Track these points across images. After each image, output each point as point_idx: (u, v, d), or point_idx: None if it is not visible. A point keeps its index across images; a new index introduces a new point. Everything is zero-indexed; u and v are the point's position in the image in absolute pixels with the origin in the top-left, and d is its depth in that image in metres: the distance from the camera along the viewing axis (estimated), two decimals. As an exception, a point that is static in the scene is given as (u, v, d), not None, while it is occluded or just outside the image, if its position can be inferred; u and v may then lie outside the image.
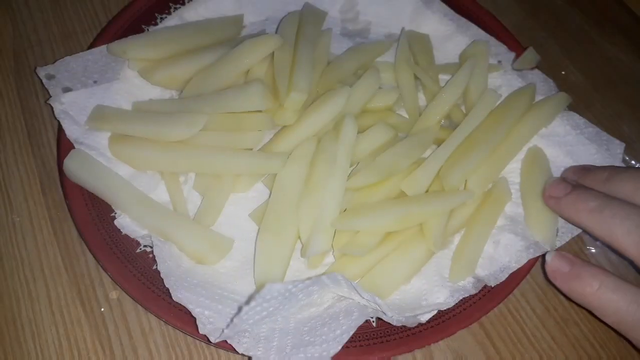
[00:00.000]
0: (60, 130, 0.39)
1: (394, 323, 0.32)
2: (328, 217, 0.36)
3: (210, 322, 0.31)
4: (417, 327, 0.34)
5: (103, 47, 0.43)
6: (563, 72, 0.51)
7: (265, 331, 0.31)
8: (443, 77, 0.46)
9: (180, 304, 0.33)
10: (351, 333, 0.30)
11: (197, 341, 0.36)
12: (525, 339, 0.38)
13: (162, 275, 0.33)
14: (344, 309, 0.33)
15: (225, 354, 0.36)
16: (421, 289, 0.36)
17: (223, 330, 0.30)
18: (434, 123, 0.42)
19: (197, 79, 0.42)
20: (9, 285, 0.37)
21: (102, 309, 0.37)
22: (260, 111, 0.41)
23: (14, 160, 0.43)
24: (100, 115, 0.40)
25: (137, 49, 0.42)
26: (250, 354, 0.30)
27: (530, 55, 0.46)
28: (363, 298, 0.31)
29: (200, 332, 0.31)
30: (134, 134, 0.40)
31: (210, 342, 0.31)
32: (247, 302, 0.29)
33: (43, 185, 0.42)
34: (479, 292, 0.36)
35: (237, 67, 0.42)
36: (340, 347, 0.29)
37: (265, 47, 0.42)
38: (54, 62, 0.42)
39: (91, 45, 0.44)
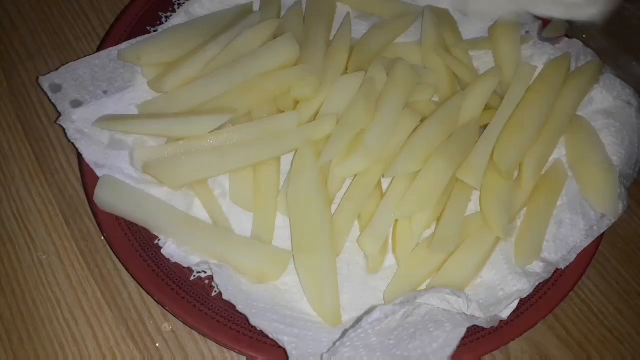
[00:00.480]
0: (79, 153, 0.36)
1: (485, 325, 0.30)
2: (383, 218, 0.34)
3: (294, 347, 0.29)
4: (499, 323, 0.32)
5: (109, 51, 0.39)
6: (584, 36, 0.50)
7: (348, 351, 0.29)
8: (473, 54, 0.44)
9: (249, 331, 0.31)
10: (454, 346, 0.29)
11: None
12: (594, 317, 0.38)
13: (234, 302, 0.30)
14: (427, 318, 0.31)
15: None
16: (493, 280, 0.35)
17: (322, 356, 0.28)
18: (476, 115, 0.39)
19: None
20: (49, 332, 0.34)
21: (157, 344, 0.34)
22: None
23: (27, 192, 0.38)
24: (111, 118, 0.36)
25: (151, 53, 0.38)
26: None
27: (558, 23, 0.45)
28: (467, 307, 0.29)
29: (292, 358, 0.29)
30: (151, 132, 0.37)
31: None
32: (353, 326, 0.27)
33: (65, 216, 0.38)
34: (551, 277, 0.35)
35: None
36: (446, 361, 0.28)
37: (265, 31, 0.40)
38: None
39: (95, 51, 0.40)
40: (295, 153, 0.37)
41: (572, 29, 0.45)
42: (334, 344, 0.28)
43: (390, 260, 0.36)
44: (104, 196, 0.33)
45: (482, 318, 0.30)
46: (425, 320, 0.31)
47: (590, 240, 0.36)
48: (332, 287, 0.33)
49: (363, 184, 0.36)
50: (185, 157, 0.35)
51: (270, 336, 0.30)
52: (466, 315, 0.31)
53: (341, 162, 0.36)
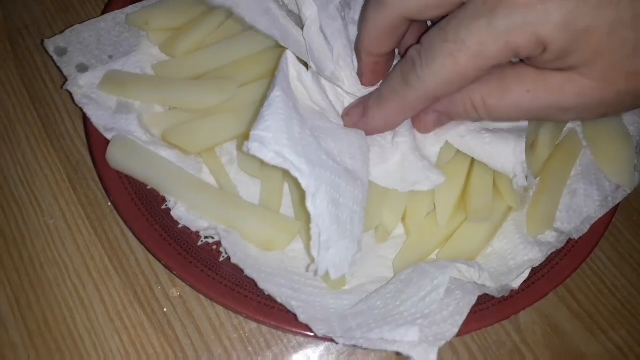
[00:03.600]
0: (86, 118, 0.35)
1: (496, 295, 0.30)
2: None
3: (302, 312, 0.29)
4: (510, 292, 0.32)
5: (114, 14, 0.39)
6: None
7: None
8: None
9: (257, 296, 0.31)
10: (465, 314, 0.28)
11: (273, 330, 0.34)
12: (606, 289, 0.37)
13: (241, 266, 0.30)
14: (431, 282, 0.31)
15: (306, 341, 0.34)
16: (504, 249, 0.34)
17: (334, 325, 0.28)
18: None
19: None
20: (57, 295, 0.34)
21: (165, 309, 0.34)
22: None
23: (33, 157, 0.38)
24: (117, 80, 0.36)
25: (159, 18, 0.37)
26: (352, 343, 0.28)
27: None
28: (479, 276, 0.29)
29: (301, 321, 0.29)
30: (160, 102, 0.36)
31: (291, 330, 0.29)
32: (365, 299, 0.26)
33: (72, 181, 0.37)
34: (564, 247, 0.34)
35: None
36: (457, 330, 0.27)
37: None
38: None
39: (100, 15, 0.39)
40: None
41: None
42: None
43: (399, 229, 0.36)
44: (117, 154, 0.33)
45: (492, 287, 0.30)
46: (426, 268, 0.30)
47: (604, 211, 0.35)
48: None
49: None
50: (201, 122, 0.34)
51: (279, 300, 0.30)
52: (477, 284, 0.31)
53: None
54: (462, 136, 0.32)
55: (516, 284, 0.32)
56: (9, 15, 0.43)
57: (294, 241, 0.34)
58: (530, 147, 0.36)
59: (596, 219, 0.35)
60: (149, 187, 0.34)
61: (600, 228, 0.35)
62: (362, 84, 0.33)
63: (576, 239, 0.34)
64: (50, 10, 0.44)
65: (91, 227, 0.36)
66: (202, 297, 0.34)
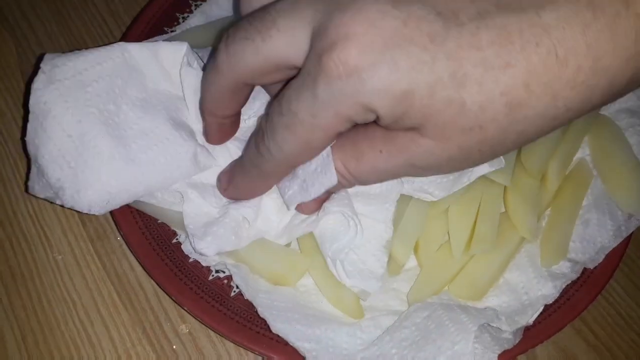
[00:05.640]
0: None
1: (513, 342, 0.29)
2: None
3: (314, 356, 0.28)
4: (524, 325, 0.31)
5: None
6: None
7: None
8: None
9: (268, 332, 0.30)
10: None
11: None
12: (622, 321, 0.37)
13: (254, 304, 0.30)
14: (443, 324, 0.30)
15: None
16: (517, 282, 0.34)
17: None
18: None
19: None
20: (64, 333, 0.33)
21: (174, 346, 0.33)
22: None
23: (43, 192, 0.38)
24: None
25: (171, 54, 0.37)
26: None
27: None
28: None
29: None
30: None
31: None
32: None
33: (81, 216, 0.37)
34: (579, 278, 0.34)
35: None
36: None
37: None
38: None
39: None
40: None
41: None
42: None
43: (412, 261, 0.35)
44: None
45: (508, 331, 0.29)
46: (444, 320, 0.30)
47: (618, 240, 0.35)
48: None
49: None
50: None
51: (291, 342, 0.29)
52: (492, 326, 0.30)
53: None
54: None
55: (531, 320, 0.31)
56: (23, 53, 0.44)
57: (306, 276, 0.33)
58: (540, 180, 0.36)
59: (610, 249, 0.34)
60: (159, 221, 0.33)
61: (615, 258, 0.34)
62: (208, 142, 0.33)
63: (592, 268, 0.34)
64: (63, 50, 0.44)
65: (100, 262, 0.36)
66: (212, 333, 0.34)
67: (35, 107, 0.30)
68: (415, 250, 0.35)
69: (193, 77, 0.32)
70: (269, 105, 0.26)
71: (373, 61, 0.21)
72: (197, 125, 0.33)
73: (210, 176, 0.32)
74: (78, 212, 0.37)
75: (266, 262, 0.32)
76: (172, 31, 0.41)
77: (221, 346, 0.33)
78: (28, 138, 0.30)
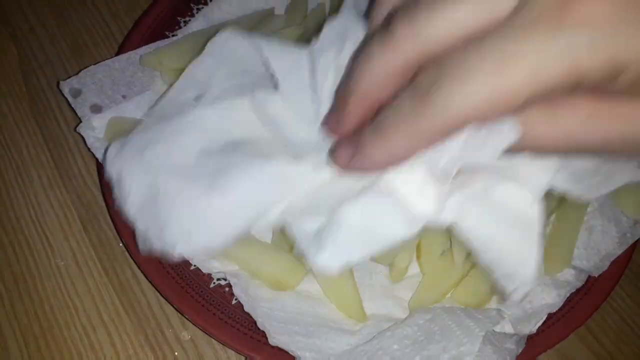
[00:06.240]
0: (98, 161, 0.35)
1: (516, 351, 0.29)
2: None
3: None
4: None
5: (128, 55, 0.39)
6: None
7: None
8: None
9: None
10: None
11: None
12: (627, 327, 0.36)
13: (253, 316, 0.30)
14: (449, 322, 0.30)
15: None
16: (521, 291, 0.33)
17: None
18: None
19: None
20: (66, 339, 0.33)
21: (176, 353, 0.33)
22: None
23: (45, 197, 0.38)
24: (119, 128, 0.36)
25: (173, 58, 0.37)
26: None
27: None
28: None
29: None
30: None
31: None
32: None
33: (83, 222, 0.37)
34: (583, 286, 0.33)
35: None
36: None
37: (289, 38, 0.39)
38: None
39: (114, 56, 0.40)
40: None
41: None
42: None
43: (414, 268, 0.35)
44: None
45: (512, 339, 0.29)
46: (448, 324, 0.30)
47: (624, 247, 0.34)
48: (350, 284, 0.33)
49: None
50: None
51: (292, 353, 0.29)
52: (495, 332, 0.30)
53: None
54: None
55: (535, 329, 0.31)
56: (25, 55, 0.44)
57: (307, 281, 0.33)
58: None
59: (615, 256, 0.34)
60: (161, 228, 0.33)
61: (620, 265, 0.34)
62: (336, 134, 0.24)
63: (596, 276, 0.33)
64: (65, 52, 0.44)
65: (102, 268, 0.36)
66: (213, 340, 0.34)
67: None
68: (418, 256, 0.34)
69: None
70: (445, 56, 0.20)
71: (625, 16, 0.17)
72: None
73: None
74: (80, 218, 0.37)
75: (266, 267, 0.32)
76: (173, 35, 0.41)
77: (223, 353, 0.33)
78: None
